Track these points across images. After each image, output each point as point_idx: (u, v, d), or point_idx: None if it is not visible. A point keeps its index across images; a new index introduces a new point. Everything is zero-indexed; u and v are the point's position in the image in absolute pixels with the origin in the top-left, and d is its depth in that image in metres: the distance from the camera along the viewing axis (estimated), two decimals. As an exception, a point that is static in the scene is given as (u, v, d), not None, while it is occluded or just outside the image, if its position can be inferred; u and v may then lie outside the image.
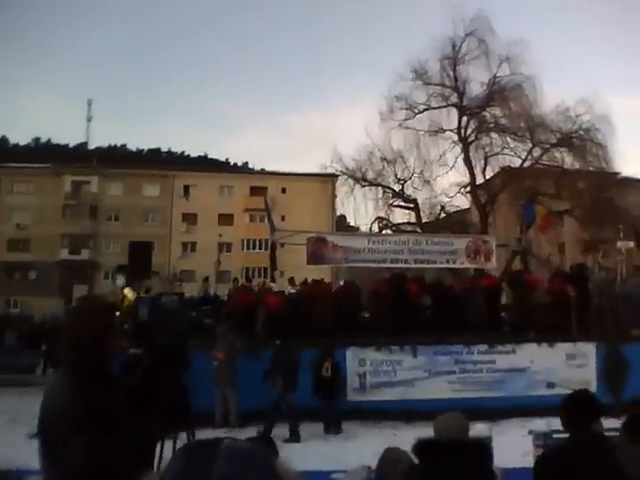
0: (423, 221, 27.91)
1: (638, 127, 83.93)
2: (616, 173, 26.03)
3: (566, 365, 12.55)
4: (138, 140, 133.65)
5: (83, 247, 46.30)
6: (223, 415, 10.87)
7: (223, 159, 77.51)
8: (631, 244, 15.84)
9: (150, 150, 79.84)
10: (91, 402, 1.97)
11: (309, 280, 14.99)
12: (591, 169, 25.12)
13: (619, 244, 15.17)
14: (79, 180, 47.67)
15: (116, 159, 57.04)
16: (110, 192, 47.29)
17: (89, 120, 65.26)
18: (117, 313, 13.08)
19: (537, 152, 26.21)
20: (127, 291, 13.59)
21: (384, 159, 27.98)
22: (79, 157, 54.81)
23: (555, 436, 4.40)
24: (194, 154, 78.93)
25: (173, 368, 2.48)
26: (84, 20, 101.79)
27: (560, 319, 13.16)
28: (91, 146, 66.25)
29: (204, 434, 4.94)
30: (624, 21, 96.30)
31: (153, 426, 2.20)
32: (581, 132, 25.21)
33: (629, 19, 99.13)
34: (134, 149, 79.73)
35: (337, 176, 30.33)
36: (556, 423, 3.41)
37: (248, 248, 46.43)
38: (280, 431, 9.74)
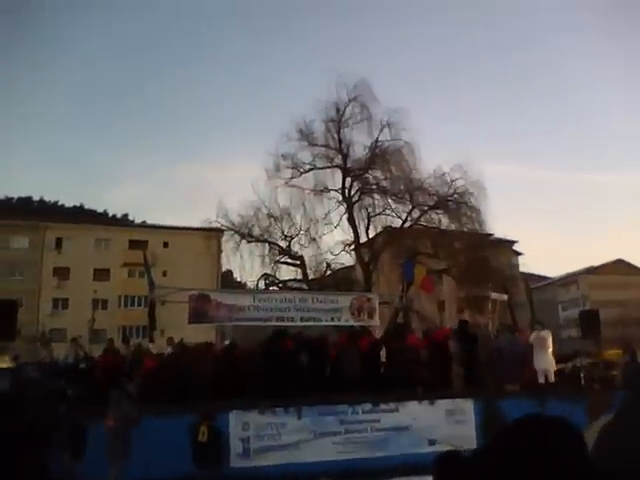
0: (309, 278, 28.05)
1: (508, 191, 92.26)
2: (489, 234, 27.86)
3: (446, 422, 12.76)
4: (7, 188, 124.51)
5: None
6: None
7: (101, 210, 74.44)
8: (505, 296, 16.92)
9: (20, 199, 74.88)
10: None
11: (185, 341, 14.33)
12: (466, 230, 26.73)
13: (494, 295, 16.11)
14: (-63, 230, 43.34)
15: (-19, 208, 52.63)
16: (-28, 244, 43.27)
17: (-48, 164, 60.32)
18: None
19: (416, 213, 27.49)
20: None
21: (271, 216, 28.07)
22: (-62, 205, 50.10)
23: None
24: (69, 204, 75.10)
25: (34, 444, 2.13)
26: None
27: (439, 375, 13.44)
28: (-48, 193, 60.99)
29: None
30: (491, 94, 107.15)
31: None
32: (456, 196, 26.81)
33: (493, 94, 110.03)
34: (2, 197, 74.23)
35: (223, 231, 29.83)
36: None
37: (126, 305, 44.08)
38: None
